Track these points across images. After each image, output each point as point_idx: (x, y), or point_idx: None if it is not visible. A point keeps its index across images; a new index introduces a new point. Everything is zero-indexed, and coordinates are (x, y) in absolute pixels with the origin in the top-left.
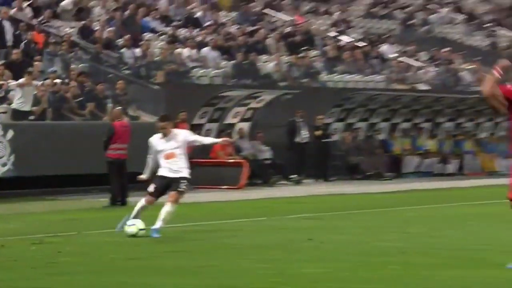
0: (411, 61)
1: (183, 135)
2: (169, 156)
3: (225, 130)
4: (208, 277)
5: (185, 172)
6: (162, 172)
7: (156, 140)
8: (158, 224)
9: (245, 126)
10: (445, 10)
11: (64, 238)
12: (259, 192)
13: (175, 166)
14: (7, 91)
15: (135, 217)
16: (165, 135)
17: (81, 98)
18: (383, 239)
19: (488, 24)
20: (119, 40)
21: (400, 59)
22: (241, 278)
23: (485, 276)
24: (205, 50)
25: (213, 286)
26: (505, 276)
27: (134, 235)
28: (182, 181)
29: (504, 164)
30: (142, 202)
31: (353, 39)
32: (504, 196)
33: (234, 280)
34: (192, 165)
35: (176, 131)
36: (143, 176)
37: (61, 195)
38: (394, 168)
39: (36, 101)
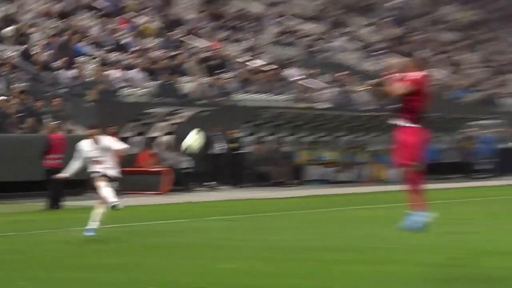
0: (313, 83)
1: (107, 141)
2: (97, 162)
3: (150, 143)
4: (141, 273)
5: (114, 172)
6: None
7: (85, 145)
8: (94, 225)
9: (169, 139)
10: (343, 39)
11: (7, 238)
12: (180, 197)
13: (103, 167)
14: None
15: (96, 220)
16: (93, 141)
17: (22, 114)
18: (288, 238)
19: (380, 51)
20: (56, 62)
21: (304, 81)
22: (170, 274)
23: (376, 270)
24: (133, 72)
25: (146, 281)
26: (393, 271)
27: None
28: (111, 182)
29: (393, 173)
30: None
31: (263, 63)
32: (391, 200)
33: (165, 276)
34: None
35: (102, 138)
36: (63, 175)
37: (3, 199)
38: (298, 176)
39: None
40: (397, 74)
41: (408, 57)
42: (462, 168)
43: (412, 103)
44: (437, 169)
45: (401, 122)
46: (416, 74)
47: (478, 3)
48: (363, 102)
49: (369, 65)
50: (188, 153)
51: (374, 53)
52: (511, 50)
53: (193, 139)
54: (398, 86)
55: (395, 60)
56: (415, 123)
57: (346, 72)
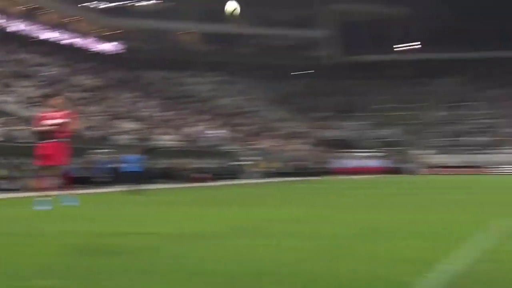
0: None
1: None
2: None
3: None
4: None
5: None
6: None
7: None
8: None
9: None
10: (11, 95)
11: None
12: None
13: None
14: None
15: None
16: None
17: None
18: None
19: (35, 104)
20: None
21: None
22: None
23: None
24: None
25: None
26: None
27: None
28: None
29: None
30: None
31: None
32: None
33: None
34: None
35: None
36: None
37: None
38: None
39: None
40: (47, 114)
41: (58, 98)
42: (88, 181)
43: (60, 128)
44: (73, 181)
45: (52, 139)
46: (63, 111)
47: (100, 74)
48: (24, 136)
49: (27, 112)
50: (230, 18)
51: (31, 105)
52: (120, 105)
53: (231, 7)
54: (45, 124)
55: (51, 100)
56: (61, 140)
57: (12, 117)
